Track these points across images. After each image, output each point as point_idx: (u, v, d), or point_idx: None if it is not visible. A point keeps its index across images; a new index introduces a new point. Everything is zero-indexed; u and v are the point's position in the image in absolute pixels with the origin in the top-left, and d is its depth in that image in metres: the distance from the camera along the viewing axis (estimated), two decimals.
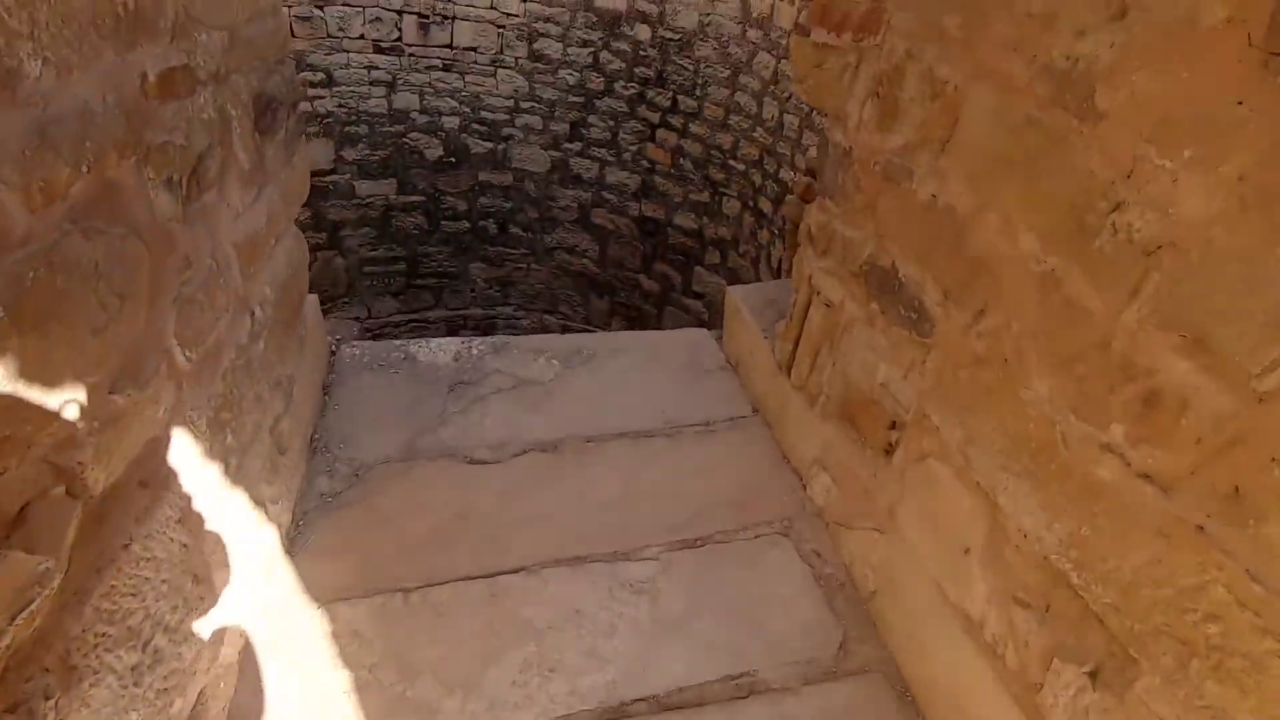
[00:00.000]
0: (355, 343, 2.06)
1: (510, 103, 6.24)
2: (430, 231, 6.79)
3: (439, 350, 2.07)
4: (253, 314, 1.28)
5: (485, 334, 7.46)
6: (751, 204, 5.43)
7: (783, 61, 4.83)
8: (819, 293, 1.65)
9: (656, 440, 1.86)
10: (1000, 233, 1.09)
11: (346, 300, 6.83)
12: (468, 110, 6.26)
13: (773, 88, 4.97)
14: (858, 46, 1.46)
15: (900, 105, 1.32)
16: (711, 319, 6.33)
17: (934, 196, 1.24)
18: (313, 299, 1.82)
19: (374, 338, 7.08)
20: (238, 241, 1.21)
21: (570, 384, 2.02)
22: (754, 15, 5.06)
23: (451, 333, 7.36)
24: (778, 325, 1.90)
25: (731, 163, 5.54)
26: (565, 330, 7.35)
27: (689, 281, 6.36)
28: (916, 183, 1.28)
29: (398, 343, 2.09)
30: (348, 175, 6.20)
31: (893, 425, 1.40)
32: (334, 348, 2.08)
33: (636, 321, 7.00)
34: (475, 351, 2.09)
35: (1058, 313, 0.98)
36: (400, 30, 5.80)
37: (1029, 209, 1.03)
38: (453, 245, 6.93)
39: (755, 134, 5.22)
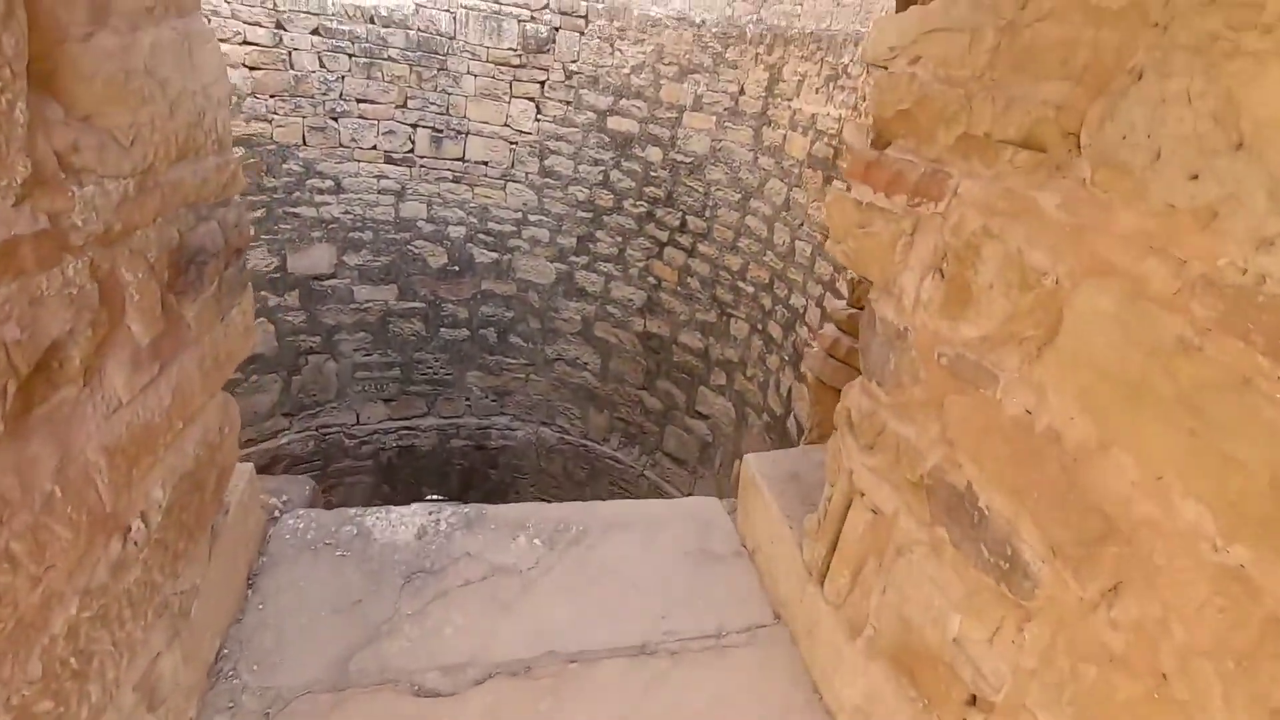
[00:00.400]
0: (302, 512, 1.73)
1: (518, 215, 6.19)
2: (428, 338, 6.60)
3: (400, 524, 1.74)
4: (128, 534, 0.96)
5: (478, 446, 7.11)
6: (760, 327, 5.23)
7: (795, 189, 4.75)
8: (862, 494, 1.34)
9: (657, 660, 1.49)
10: (1142, 489, 0.80)
11: (335, 405, 6.54)
12: (475, 220, 6.21)
13: (784, 214, 4.87)
14: (914, 211, 1.23)
15: (975, 291, 1.07)
16: (716, 440, 6.01)
17: (1028, 413, 0.96)
18: (244, 469, 1.50)
19: (360, 445, 6.74)
20: (113, 443, 0.91)
21: (554, 573, 1.67)
22: (765, 144, 5.04)
23: (442, 442, 7.02)
24: (806, 518, 1.58)
25: (740, 285, 5.39)
26: (562, 442, 7.02)
27: (693, 401, 6.08)
28: (1001, 390, 1.01)
29: (352, 512, 1.76)
30: (348, 280, 6.06)
31: (972, 700, 1.06)
32: (277, 512, 1.75)
33: (636, 439, 6.68)
34: (444, 526, 1.75)
35: (1258, 633, 0.67)
36: (413, 143, 5.82)
37: (1193, 470, 0.74)
38: (450, 353, 6.71)
39: (765, 258, 5.09)
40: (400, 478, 7.09)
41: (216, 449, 1.25)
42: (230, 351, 1.29)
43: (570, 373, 6.74)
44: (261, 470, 5.72)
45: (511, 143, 5.98)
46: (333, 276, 5.99)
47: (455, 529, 1.75)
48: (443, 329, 6.59)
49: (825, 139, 4.41)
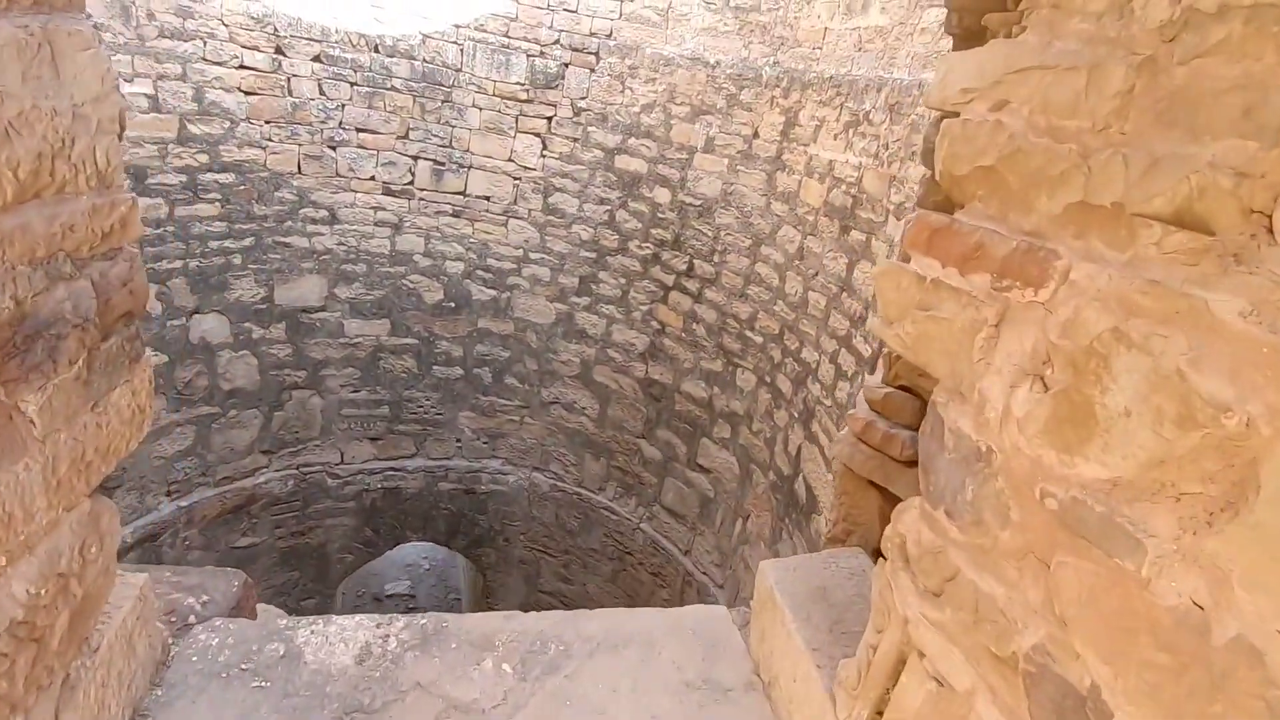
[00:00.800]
0: (219, 624, 1.41)
1: (519, 252, 5.96)
2: (420, 376, 6.31)
3: (339, 641, 1.42)
4: None
5: (468, 490, 6.77)
6: (769, 380, 4.94)
7: (809, 238, 4.51)
8: (922, 655, 1.04)
9: None
10: None
11: (318, 443, 6.22)
12: (474, 256, 5.97)
13: (797, 262, 4.62)
14: (1000, 296, 0.96)
15: (1101, 416, 0.78)
16: (717, 496, 5.67)
17: (1197, 608, 0.67)
18: (135, 581, 1.19)
19: (343, 485, 6.40)
20: None
21: (526, 711, 1.35)
22: (779, 189, 4.82)
23: (429, 484, 6.68)
24: (842, 665, 1.26)
25: (748, 334, 5.12)
26: (556, 489, 6.67)
27: (694, 453, 5.76)
28: (1149, 566, 0.72)
29: (283, 624, 1.44)
30: (338, 314, 5.81)
31: None
32: (193, 618, 1.43)
33: (633, 489, 6.34)
34: (393, 645, 1.43)
35: None
36: (413, 175, 5.62)
37: None
38: (442, 392, 6.42)
39: (776, 307, 4.82)
40: (384, 521, 6.74)
41: (75, 577, 0.94)
42: (108, 445, 0.99)
43: (567, 417, 6.43)
44: (235, 509, 5.37)
45: (515, 178, 5.77)
46: (322, 309, 5.74)
47: (407, 649, 1.43)
48: (436, 367, 6.31)
49: (843, 187, 4.18)
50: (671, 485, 6.03)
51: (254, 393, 5.62)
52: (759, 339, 5.04)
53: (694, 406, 5.69)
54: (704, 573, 5.86)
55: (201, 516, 5.59)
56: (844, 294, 4.11)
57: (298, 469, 6.14)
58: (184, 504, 5.44)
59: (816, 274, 4.43)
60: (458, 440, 6.65)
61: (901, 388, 1.76)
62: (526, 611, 1.63)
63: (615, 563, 6.57)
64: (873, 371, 3.60)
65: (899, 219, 3.58)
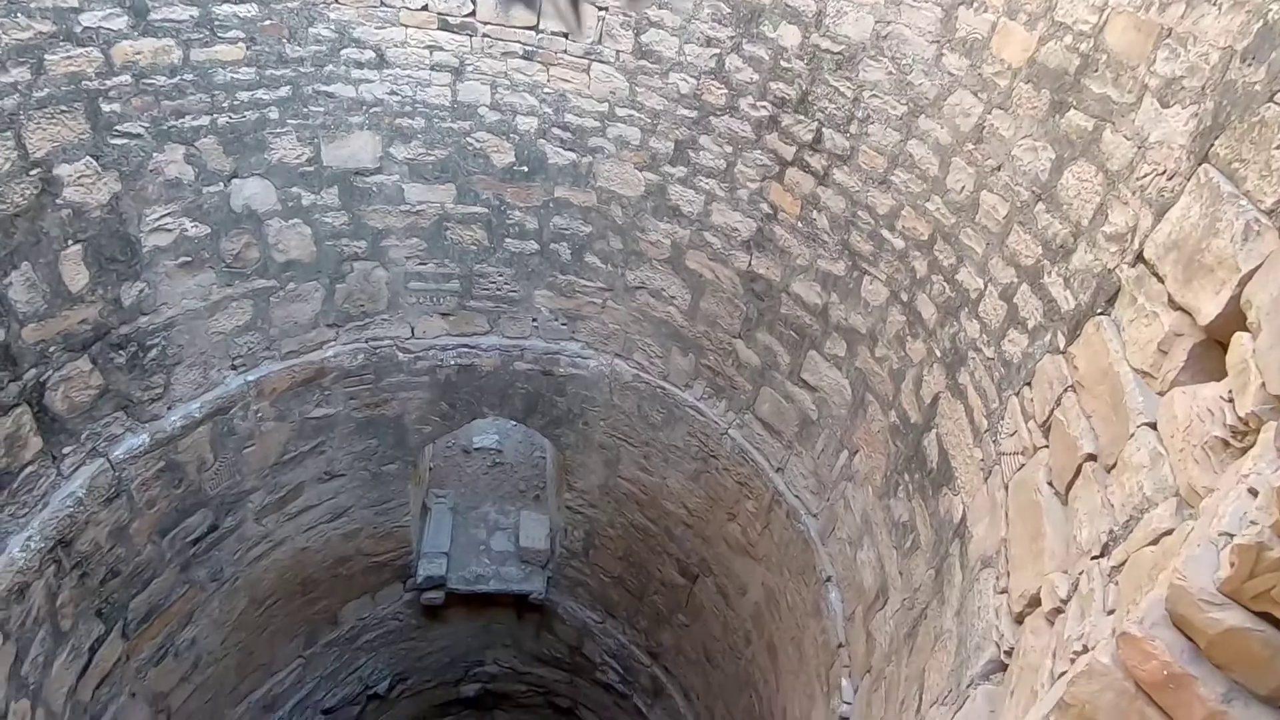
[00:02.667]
0: None
1: (604, 107, 4.86)
2: (491, 249, 5.61)
3: None
4: None
5: (545, 373, 6.24)
6: (905, 298, 3.87)
7: (996, 113, 3.20)
8: None
9: None
10: None
11: (386, 317, 5.78)
12: (549, 111, 4.94)
13: (971, 147, 3.35)
14: None
15: None
16: (821, 419, 4.85)
17: None
18: None
19: (415, 360, 6.03)
20: None
21: None
22: (959, 35, 3.41)
23: (505, 363, 6.17)
24: None
25: (885, 234, 3.97)
26: (638, 380, 6.03)
27: (799, 365, 4.89)
28: None
29: None
30: (396, 176, 5.07)
31: None
32: None
33: (724, 392, 5.61)
34: None
35: None
36: (475, 4, 4.49)
37: None
38: (516, 268, 5.72)
39: (930, 205, 3.63)
40: (459, 396, 6.42)
41: None
42: None
43: (653, 305, 5.62)
44: (306, 382, 5.07)
45: (600, 8, 4.52)
46: (378, 171, 4.99)
47: None
48: (508, 239, 5.55)
49: (1068, 38, 2.79)
50: (768, 396, 5.23)
51: (311, 264, 5.12)
52: (899, 243, 3.89)
53: (804, 312, 4.70)
54: (796, 495, 5.21)
55: (271, 390, 5.39)
56: (1040, 204, 2.89)
57: (366, 343, 5.77)
58: (251, 378, 5.22)
59: (999, 167, 3.17)
60: (534, 320, 6.04)
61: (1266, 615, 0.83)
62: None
63: (699, 463, 6.03)
64: (1070, 336, 2.47)
65: (1164, 106, 2.28)
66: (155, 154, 4.01)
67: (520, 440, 9.69)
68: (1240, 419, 1.22)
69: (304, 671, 7.37)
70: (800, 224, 4.49)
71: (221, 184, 4.38)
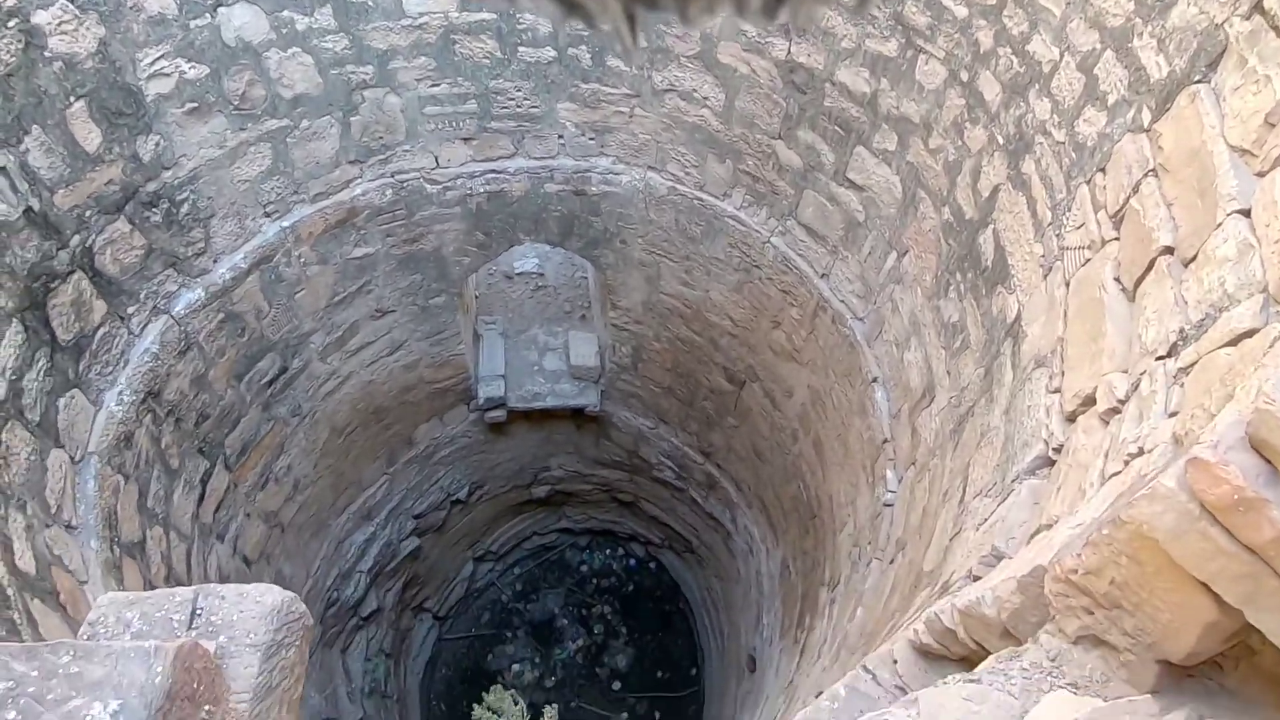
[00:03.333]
0: None
1: None
2: (504, 61, 5.18)
3: None
4: None
5: (578, 193, 6.03)
6: (965, 78, 3.49)
7: None
8: None
9: None
10: None
11: (407, 148, 5.55)
12: None
13: None
14: None
15: None
16: (868, 221, 4.65)
17: None
18: None
19: (444, 191, 5.88)
20: None
21: None
22: None
23: (535, 186, 5.98)
24: None
25: (944, 1, 3.49)
26: (674, 193, 5.80)
27: (845, 164, 4.60)
28: None
29: None
30: None
31: None
32: None
33: (764, 199, 5.38)
34: None
35: None
36: None
37: None
38: (534, 80, 5.31)
39: None
40: (493, 224, 6.33)
41: None
42: None
43: (685, 109, 5.21)
44: (340, 223, 5.08)
45: None
46: None
47: None
48: (521, 48, 5.09)
49: None
50: (812, 199, 4.99)
51: (320, 97, 4.84)
52: (961, 10, 3.40)
53: (850, 104, 4.29)
54: (842, 300, 5.15)
55: (308, 233, 5.38)
56: None
57: (393, 177, 5.61)
58: (286, 224, 5.21)
59: None
60: (560, 137, 5.71)
61: None
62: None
63: (741, 274, 5.95)
64: (1158, 111, 2.16)
65: None
66: None
67: (560, 263, 9.66)
68: None
69: (391, 486, 8.18)
70: None
71: (208, 15, 4.03)
